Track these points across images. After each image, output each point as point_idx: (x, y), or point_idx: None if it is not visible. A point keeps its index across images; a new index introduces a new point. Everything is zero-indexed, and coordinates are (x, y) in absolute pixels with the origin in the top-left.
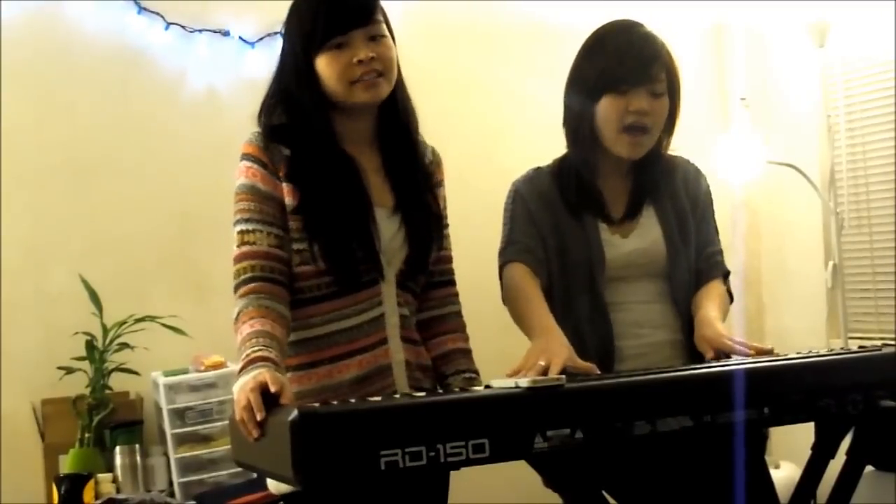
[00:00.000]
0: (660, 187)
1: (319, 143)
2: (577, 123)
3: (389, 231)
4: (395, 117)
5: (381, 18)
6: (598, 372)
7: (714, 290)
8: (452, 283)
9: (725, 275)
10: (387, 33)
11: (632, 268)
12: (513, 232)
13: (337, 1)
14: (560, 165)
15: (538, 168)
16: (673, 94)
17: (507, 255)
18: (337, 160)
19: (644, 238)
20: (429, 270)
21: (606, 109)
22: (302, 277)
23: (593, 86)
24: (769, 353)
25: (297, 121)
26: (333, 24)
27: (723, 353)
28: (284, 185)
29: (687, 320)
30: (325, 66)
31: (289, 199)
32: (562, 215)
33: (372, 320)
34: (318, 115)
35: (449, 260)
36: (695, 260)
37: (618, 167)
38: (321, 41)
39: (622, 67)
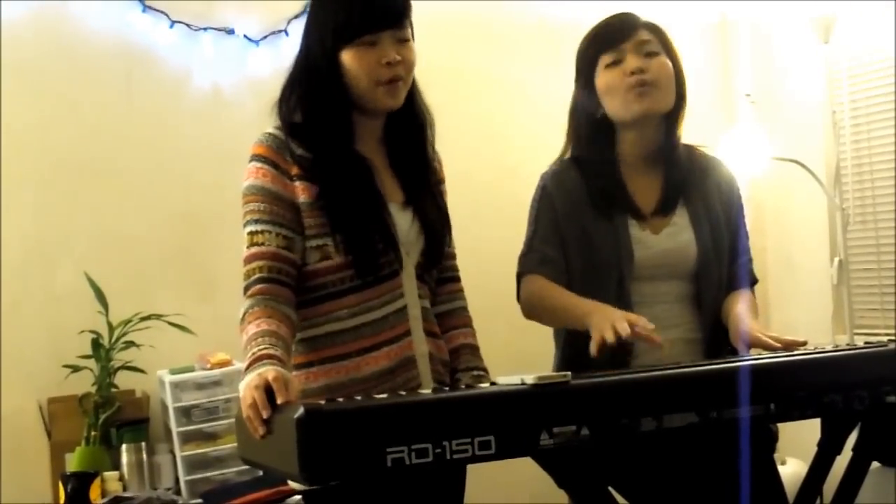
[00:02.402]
0: (692, 182)
1: (335, 141)
2: (580, 116)
3: (405, 223)
4: (410, 119)
5: (409, 24)
6: (658, 341)
7: (744, 294)
8: (458, 279)
9: (753, 283)
10: (411, 38)
11: (660, 268)
12: (535, 237)
13: None
14: (584, 163)
15: (567, 159)
16: (672, 59)
17: (527, 264)
18: (351, 158)
19: (675, 239)
20: (442, 263)
21: (605, 82)
22: (324, 273)
23: (586, 69)
24: (802, 345)
25: (314, 116)
26: (367, 22)
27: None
28: (298, 183)
29: (710, 321)
30: (351, 61)
31: (304, 197)
32: (590, 212)
33: (396, 312)
34: (339, 109)
35: (454, 257)
36: (727, 266)
37: (645, 161)
38: (351, 36)
39: (602, 35)
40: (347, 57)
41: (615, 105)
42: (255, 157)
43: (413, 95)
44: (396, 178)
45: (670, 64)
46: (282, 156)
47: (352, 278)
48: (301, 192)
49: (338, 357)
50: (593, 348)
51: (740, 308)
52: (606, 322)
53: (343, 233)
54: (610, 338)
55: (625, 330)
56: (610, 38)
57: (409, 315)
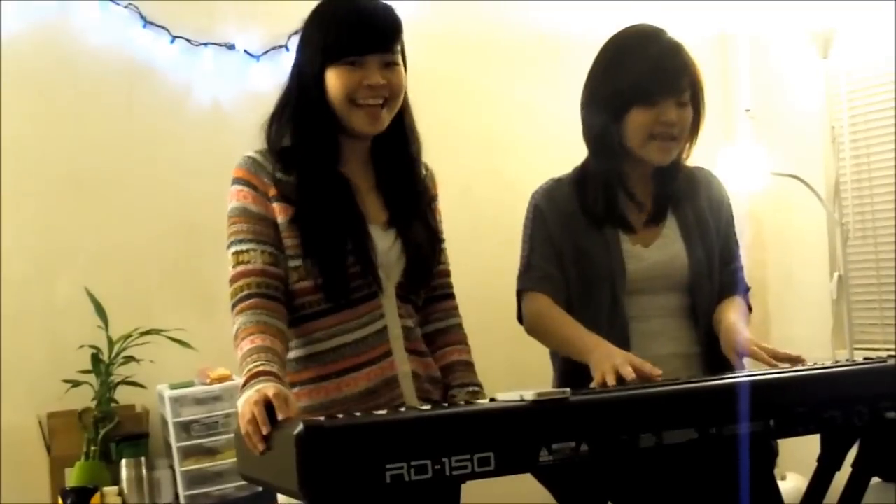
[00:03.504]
0: (682, 195)
1: (317, 163)
2: (604, 134)
3: (385, 244)
4: (398, 140)
5: (399, 48)
6: (660, 376)
7: (735, 303)
8: (452, 296)
9: (745, 290)
10: (400, 62)
11: (652, 280)
12: (532, 255)
13: (362, 20)
14: (581, 175)
15: (558, 179)
16: (697, 104)
17: (526, 282)
18: (332, 180)
19: (666, 250)
20: (430, 283)
21: (635, 121)
22: (302, 293)
23: (623, 97)
24: (797, 360)
25: (301, 136)
26: (353, 43)
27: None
28: (276, 204)
29: (706, 333)
30: (333, 79)
31: (281, 217)
32: (582, 228)
33: (375, 333)
34: (324, 128)
35: (448, 274)
36: (718, 275)
37: (641, 175)
38: (337, 55)
39: (654, 80)
40: (331, 76)
41: (635, 142)
42: (235, 181)
43: (402, 116)
44: (382, 199)
45: (693, 113)
46: (259, 177)
47: (327, 300)
48: (279, 213)
49: (318, 378)
50: (595, 385)
51: (733, 317)
52: (608, 364)
53: (314, 257)
54: (612, 382)
55: (629, 375)
56: (659, 86)
57: (390, 335)
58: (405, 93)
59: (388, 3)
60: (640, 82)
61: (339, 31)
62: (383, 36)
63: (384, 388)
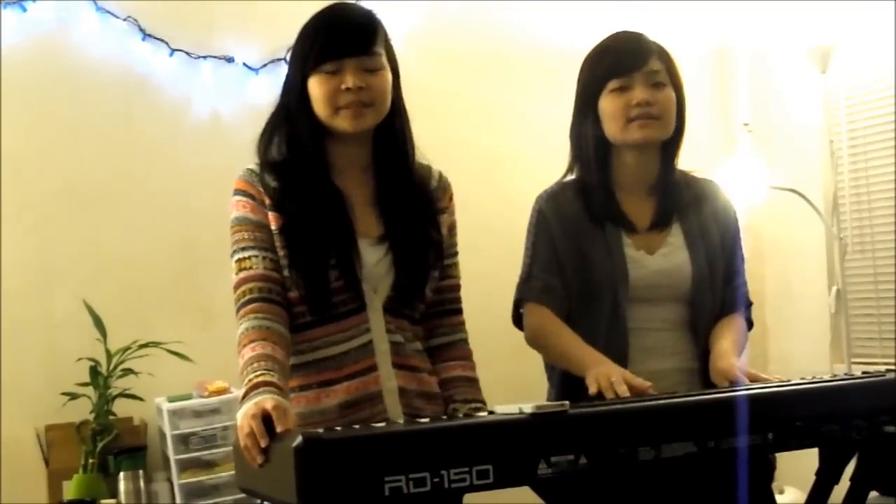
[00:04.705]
0: (687, 205)
1: (309, 174)
2: (580, 136)
3: (373, 258)
4: (392, 146)
5: (381, 51)
6: (652, 391)
7: (734, 323)
8: (460, 311)
9: (747, 307)
10: (385, 66)
11: (655, 289)
12: (534, 264)
13: (336, 27)
14: (581, 183)
15: (563, 182)
16: (677, 89)
17: (527, 293)
18: (324, 192)
19: (670, 259)
20: (426, 297)
21: (609, 107)
22: (293, 303)
23: (591, 88)
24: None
25: (292, 148)
26: (328, 49)
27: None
28: (270, 213)
29: (704, 348)
30: (315, 88)
31: (274, 226)
32: (585, 234)
33: (360, 347)
34: (311, 139)
35: (457, 288)
36: (721, 290)
37: (642, 186)
38: (314, 63)
39: (613, 59)
40: (313, 85)
41: (615, 130)
42: (236, 192)
43: (394, 123)
44: (377, 211)
45: (675, 95)
46: (256, 187)
47: (311, 313)
48: (272, 221)
49: (300, 388)
50: (591, 391)
51: (725, 344)
52: (605, 380)
53: (300, 269)
54: (609, 396)
55: (624, 392)
56: (621, 64)
57: (376, 350)
58: (401, 99)
59: (370, 8)
60: (602, 67)
61: (314, 41)
62: (357, 39)
63: (366, 403)
